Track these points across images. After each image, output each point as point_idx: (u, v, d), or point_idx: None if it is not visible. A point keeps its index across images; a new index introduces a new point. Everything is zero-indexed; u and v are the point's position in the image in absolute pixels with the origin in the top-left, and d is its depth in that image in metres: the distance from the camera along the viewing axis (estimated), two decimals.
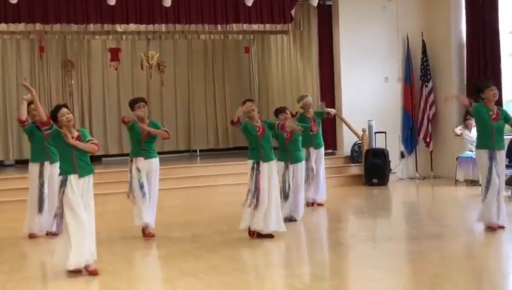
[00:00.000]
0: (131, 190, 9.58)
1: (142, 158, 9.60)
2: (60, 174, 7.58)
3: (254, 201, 9.10)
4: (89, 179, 7.65)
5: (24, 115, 9.70)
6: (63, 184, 7.47)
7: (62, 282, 7.43)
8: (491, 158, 9.15)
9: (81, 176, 7.54)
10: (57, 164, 8.23)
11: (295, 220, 10.48)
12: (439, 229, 9.81)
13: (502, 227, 9.26)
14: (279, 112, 10.36)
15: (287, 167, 10.41)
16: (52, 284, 7.48)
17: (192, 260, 8.19)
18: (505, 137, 10.33)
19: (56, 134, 7.61)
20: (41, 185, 9.90)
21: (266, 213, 9.13)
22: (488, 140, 9.19)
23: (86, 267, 7.54)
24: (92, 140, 7.72)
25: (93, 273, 7.51)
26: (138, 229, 9.74)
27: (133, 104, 9.71)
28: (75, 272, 7.48)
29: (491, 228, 9.22)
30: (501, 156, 9.25)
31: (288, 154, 10.42)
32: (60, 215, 7.48)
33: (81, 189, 7.53)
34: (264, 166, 9.19)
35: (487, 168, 9.16)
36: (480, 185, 12.96)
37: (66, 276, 7.48)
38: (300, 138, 10.61)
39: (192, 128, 18.87)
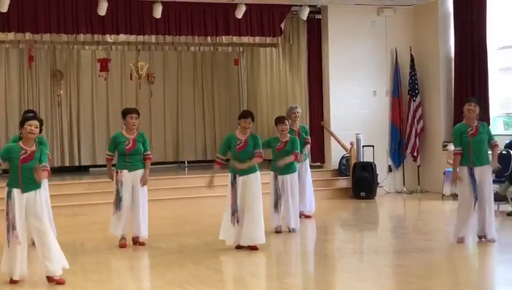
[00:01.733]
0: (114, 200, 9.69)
1: (126, 171, 9.62)
2: (6, 186, 7.50)
3: (234, 215, 9.15)
4: (35, 195, 7.46)
5: None
6: (8, 196, 7.41)
7: None
8: (472, 174, 9.18)
9: (23, 191, 7.40)
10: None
11: (292, 231, 10.49)
12: (425, 243, 9.83)
13: (493, 241, 9.30)
14: (278, 121, 10.35)
15: (276, 178, 10.46)
16: None
17: (178, 270, 8.18)
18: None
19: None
20: None
21: (243, 226, 9.13)
22: (466, 156, 9.22)
23: (49, 278, 7.53)
24: (45, 166, 7.52)
25: (59, 282, 7.47)
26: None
27: (125, 113, 9.76)
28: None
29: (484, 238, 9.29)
30: (482, 171, 9.23)
31: (278, 166, 10.43)
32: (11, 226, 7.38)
33: (25, 204, 7.40)
34: (240, 180, 9.21)
35: (468, 185, 9.17)
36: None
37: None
38: (290, 150, 10.59)
39: (181, 140, 18.87)
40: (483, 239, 9.38)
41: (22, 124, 7.57)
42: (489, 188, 9.36)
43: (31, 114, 8.65)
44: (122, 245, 9.67)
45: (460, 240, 9.35)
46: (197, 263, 8.54)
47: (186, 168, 18.26)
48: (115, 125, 18.02)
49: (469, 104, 9.33)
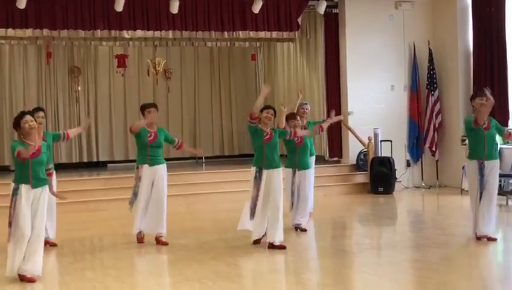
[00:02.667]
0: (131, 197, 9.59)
1: (146, 165, 9.51)
2: (13, 182, 7.48)
3: (253, 209, 9.03)
4: (41, 191, 7.51)
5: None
6: (14, 193, 7.39)
7: (63, 286, 7.44)
8: (481, 168, 9.10)
9: (33, 187, 7.43)
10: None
11: (304, 230, 10.35)
12: (444, 237, 9.78)
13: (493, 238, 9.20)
14: (289, 118, 10.32)
15: (294, 174, 10.30)
16: (53, 288, 7.48)
17: (197, 265, 8.18)
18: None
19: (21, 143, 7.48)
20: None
21: (264, 222, 9.03)
22: (478, 150, 9.14)
23: (22, 276, 7.45)
24: (50, 169, 7.96)
25: (30, 280, 7.42)
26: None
27: (143, 108, 9.69)
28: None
29: (486, 238, 9.18)
30: (492, 165, 9.15)
31: (296, 161, 10.32)
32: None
33: (32, 199, 7.43)
34: (265, 173, 9.06)
35: (477, 179, 9.09)
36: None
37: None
38: (309, 145, 10.56)
39: (198, 135, 18.91)
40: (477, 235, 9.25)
41: (17, 125, 7.48)
42: (496, 184, 9.25)
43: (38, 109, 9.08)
44: (140, 240, 9.62)
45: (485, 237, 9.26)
46: (216, 259, 8.54)
47: (204, 164, 18.27)
48: (132, 121, 18.08)
49: (481, 98, 9.13)
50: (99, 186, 14.05)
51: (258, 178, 9.06)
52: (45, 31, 14.06)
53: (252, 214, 9.08)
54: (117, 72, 17.64)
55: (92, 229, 11.19)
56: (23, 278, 7.43)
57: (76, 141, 17.54)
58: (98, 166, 17.77)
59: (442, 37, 15.89)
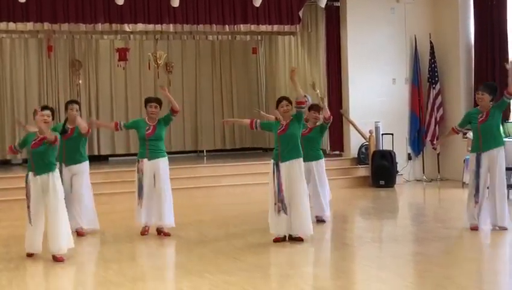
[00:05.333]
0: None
1: (146, 159, 9.56)
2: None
3: (279, 205, 8.77)
4: (48, 177, 8.11)
5: None
6: (25, 180, 8.25)
7: (65, 279, 7.46)
8: (478, 161, 9.22)
9: (36, 174, 8.14)
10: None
11: (323, 221, 10.39)
12: (445, 231, 9.77)
13: (504, 228, 9.28)
14: (311, 108, 10.21)
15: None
16: (54, 281, 7.50)
17: (198, 259, 8.19)
18: None
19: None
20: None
21: (292, 216, 8.83)
22: (475, 143, 9.34)
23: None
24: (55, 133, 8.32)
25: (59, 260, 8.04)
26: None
27: (146, 102, 9.83)
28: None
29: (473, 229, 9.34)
30: (490, 156, 9.19)
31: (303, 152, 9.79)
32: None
33: (40, 185, 8.11)
34: (282, 166, 8.78)
35: (474, 172, 9.27)
36: None
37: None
38: (316, 137, 10.33)
39: (199, 129, 18.91)
40: (496, 227, 9.36)
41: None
42: (499, 174, 9.24)
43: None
44: (143, 233, 9.66)
45: (473, 228, 9.38)
46: (217, 252, 8.56)
47: (205, 157, 18.28)
48: (133, 115, 18.07)
49: (477, 93, 9.42)
50: (100, 179, 13.99)
51: (275, 170, 8.79)
52: (46, 25, 14.07)
53: (284, 209, 8.78)
54: (118, 66, 17.62)
55: None
56: (54, 258, 8.02)
57: None
58: (99, 160, 17.76)
59: (444, 30, 15.86)
